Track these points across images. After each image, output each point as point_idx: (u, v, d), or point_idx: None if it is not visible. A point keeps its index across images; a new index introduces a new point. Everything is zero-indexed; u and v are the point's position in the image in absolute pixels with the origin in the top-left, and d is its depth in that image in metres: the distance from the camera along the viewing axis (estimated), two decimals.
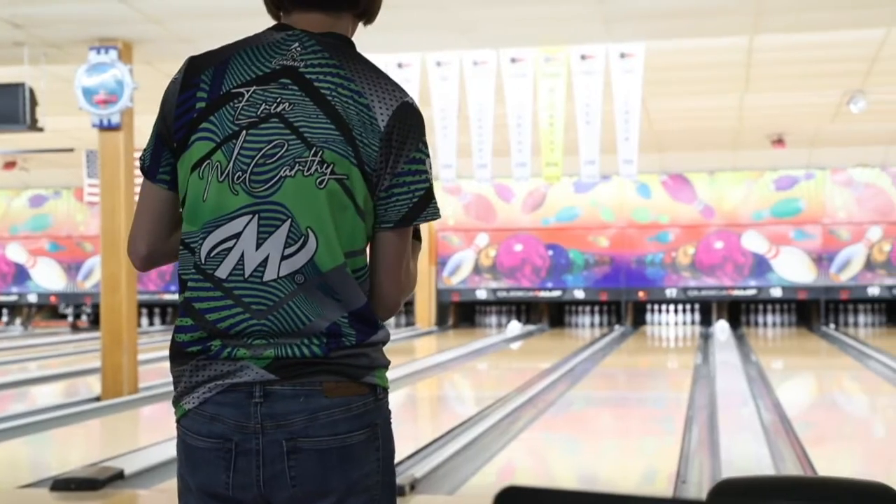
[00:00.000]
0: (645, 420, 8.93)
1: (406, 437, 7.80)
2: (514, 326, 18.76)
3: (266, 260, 1.91)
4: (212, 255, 1.94)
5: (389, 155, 1.93)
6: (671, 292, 19.02)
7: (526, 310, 19.71)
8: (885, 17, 9.19)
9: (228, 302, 1.93)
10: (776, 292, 18.75)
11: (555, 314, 19.68)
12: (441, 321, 19.68)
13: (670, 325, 19.26)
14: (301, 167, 1.91)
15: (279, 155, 1.92)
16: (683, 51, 10.47)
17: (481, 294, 19.43)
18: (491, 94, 10.64)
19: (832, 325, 18.56)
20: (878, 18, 9.26)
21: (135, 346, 9.75)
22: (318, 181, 1.91)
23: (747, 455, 6.59)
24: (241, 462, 1.92)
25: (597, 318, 19.41)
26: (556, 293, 19.19)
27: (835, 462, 6.79)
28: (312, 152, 1.91)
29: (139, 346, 10.16)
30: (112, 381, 9.51)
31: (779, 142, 15.92)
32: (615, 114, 10.55)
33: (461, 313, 20.25)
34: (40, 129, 9.79)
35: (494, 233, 19.39)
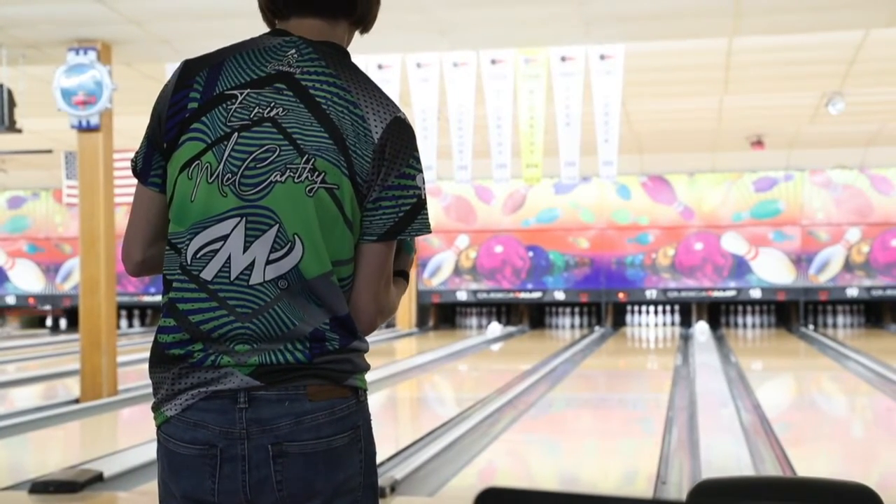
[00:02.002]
0: (625, 421, 8.94)
1: (386, 439, 7.76)
2: (495, 328, 18.77)
3: (252, 263, 1.90)
4: (198, 256, 1.93)
5: (381, 167, 1.93)
6: (651, 293, 19.05)
7: (506, 311, 19.72)
8: (862, 19, 9.23)
9: (213, 304, 1.91)
10: (755, 293, 18.81)
11: (535, 315, 19.69)
12: (421, 323, 19.66)
13: (650, 327, 19.29)
14: (292, 174, 1.90)
15: (270, 160, 1.91)
16: (663, 52, 10.48)
17: (461, 295, 19.42)
18: (471, 96, 10.64)
19: (811, 326, 18.62)
20: (856, 20, 9.30)
21: (114, 348, 9.70)
22: (307, 189, 1.90)
23: (727, 456, 6.60)
24: (227, 468, 1.91)
25: (577, 320, 19.43)
26: (537, 294, 19.20)
27: (814, 462, 6.80)
28: (304, 159, 1.90)
29: (118, 348, 10.11)
30: (91, 383, 9.47)
31: (758, 143, 15.97)
32: (595, 115, 10.57)
33: (441, 315, 20.23)
34: (18, 131, 9.74)
35: (475, 234, 19.39)
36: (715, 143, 16.83)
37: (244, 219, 1.90)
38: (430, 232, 2.00)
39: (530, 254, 19.17)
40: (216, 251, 1.91)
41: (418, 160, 1.98)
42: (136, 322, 20.68)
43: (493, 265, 19.27)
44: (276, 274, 1.90)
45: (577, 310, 19.46)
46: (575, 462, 7.11)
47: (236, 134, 1.92)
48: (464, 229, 19.42)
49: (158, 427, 1.98)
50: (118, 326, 12.01)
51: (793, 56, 10.73)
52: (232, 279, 1.91)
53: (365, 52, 10.51)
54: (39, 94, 10.04)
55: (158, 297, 20.24)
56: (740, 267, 18.83)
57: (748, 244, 18.79)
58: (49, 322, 20.75)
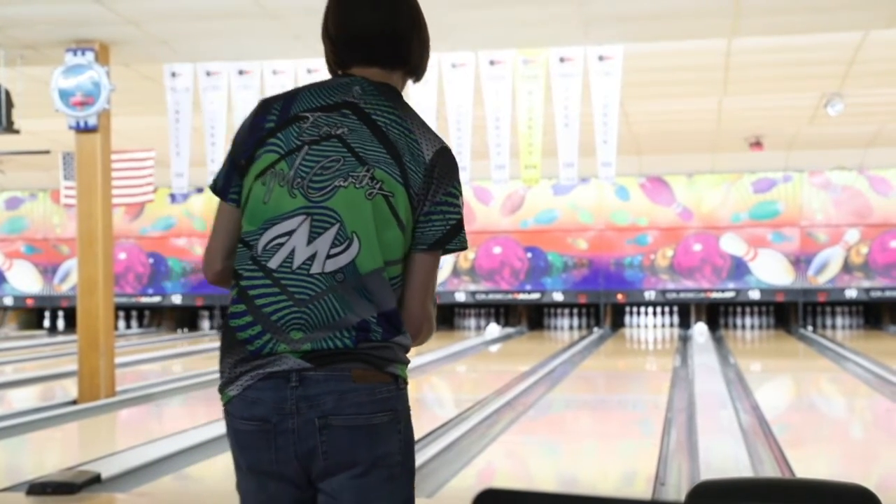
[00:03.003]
0: (624, 422, 8.93)
1: None
2: (493, 329, 18.75)
3: (314, 256, 2.17)
4: (267, 248, 2.20)
5: (431, 184, 2.22)
6: (650, 295, 19.03)
7: (505, 312, 19.71)
8: (862, 20, 9.22)
9: (276, 290, 2.18)
10: (754, 294, 18.80)
11: (533, 316, 19.67)
12: None
13: (649, 328, 19.27)
14: (354, 180, 2.19)
15: (335, 168, 2.20)
16: (662, 53, 10.47)
17: (460, 296, 19.41)
18: (469, 97, 10.61)
19: (810, 328, 18.61)
20: (856, 22, 9.29)
21: (112, 349, 9.68)
22: (367, 193, 2.18)
23: (725, 457, 6.59)
24: (281, 440, 2.16)
25: (575, 321, 19.41)
26: (535, 295, 19.19)
27: (813, 464, 6.78)
28: (365, 169, 2.19)
29: (116, 349, 10.10)
30: (89, 384, 9.45)
31: (757, 144, 15.97)
32: (594, 116, 10.54)
33: (440, 316, 20.17)
34: (16, 131, 9.73)
35: (473, 235, 19.34)
36: (714, 144, 16.82)
37: (310, 217, 2.18)
38: (466, 248, 2.31)
39: (529, 255, 19.15)
40: (282, 244, 2.19)
41: (460, 184, 2.29)
42: (133, 323, 20.64)
43: (491, 266, 19.25)
44: (335, 267, 2.17)
45: (575, 311, 19.45)
46: (574, 463, 7.10)
47: (307, 147, 2.22)
48: None
49: (225, 406, 2.25)
50: (116, 327, 12.00)
51: (792, 57, 10.72)
52: (294, 268, 2.18)
53: None
54: (37, 94, 10.03)
55: (156, 299, 20.42)
56: (739, 268, 18.82)
57: (747, 245, 18.78)
58: (47, 323, 20.73)
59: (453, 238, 2.27)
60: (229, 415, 2.23)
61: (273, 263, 2.18)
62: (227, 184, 2.29)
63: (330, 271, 2.16)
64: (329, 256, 2.17)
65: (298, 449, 2.16)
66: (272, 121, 2.26)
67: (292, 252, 2.18)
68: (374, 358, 2.17)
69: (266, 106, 2.29)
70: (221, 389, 2.25)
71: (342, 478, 2.18)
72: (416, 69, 2.37)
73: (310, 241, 2.17)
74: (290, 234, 2.18)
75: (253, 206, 2.22)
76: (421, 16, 2.37)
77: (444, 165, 2.24)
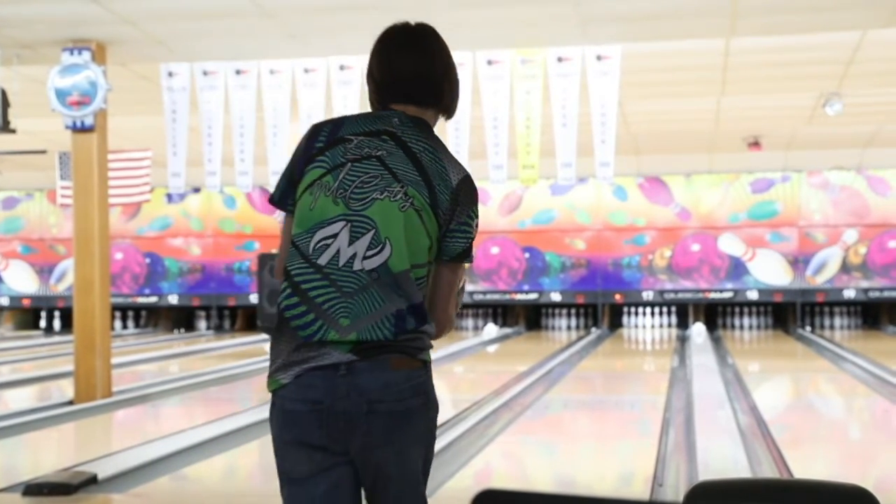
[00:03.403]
0: (621, 423, 8.91)
1: None
2: (491, 329, 18.73)
3: (354, 255, 2.54)
4: (316, 248, 2.56)
5: (456, 206, 2.60)
6: (648, 295, 19.02)
7: (502, 312, 19.68)
8: (860, 20, 9.20)
9: (325, 283, 2.54)
10: (752, 295, 18.79)
11: (531, 317, 19.65)
12: None
13: (647, 328, 19.25)
14: (389, 194, 2.55)
15: (374, 183, 2.56)
16: (660, 53, 10.45)
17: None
18: (467, 97, 10.59)
19: (808, 328, 18.60)
20: (854, 21, 9.27)
21: (108, 349, 9.65)
22: (400, 206, 2.55)
23: (724, 457, 6.58)
24: (331, 418, 2.52)
25: (573, 321, 19.39)
26: (533, 296, 19.17)
27: (811, 465, 6.78)
28: (400, 186, 2.56)
29: (113, 350, 10.07)
30: (85, 384, 9.42)
31: (755, 144, 15.95)
32: (592, 116, 10.52)
33: None
34: (12, 131, 9.71)
35: None
36: (712, 144, 16.81)
37: (349, 223, 2.55)
38: (472, 262, 2.73)
39: (526, 255, 19.13)
40: (328, 245, 2.55)
41: (478, 210, 2.68)
42: (130, 323, 20.61)
43: (489, 266, 19.23)
44: (371, 266, 2.54)
45: (573, 311, 19.43)
46: (572, 464, 7.08)
47: (350, 164, 2.58)
48: None
49: (274, 391, 2.58)
50: (112, 328, 11.96)
51: (790, 57, 10.70)
52: (340, 266, 2.54)
53: (360, 54, 10.48)
54: (34, 94, 10.00)
55: (153, 299, 20.37)
56: (737, 268, 18.81)
57: (745, 245, 18.77)
58: (43, 323, 20.70)
59: (469, 254, 2.67)
60: (280, 397, 2.57)
61: (322, 261, 2.55)
62: (284, 197, 2.67)
63: (368, 269, 2.54)
64: (366, 257, 2.54)
65: (346, 428, 2.52)
66: (321, 141, 2.63)
67: (338, 252, 2.54)
68: (409, 348, 2.56)
69: (316, 130, 2.67)
70: (272, 375, 2.59)
71: (380, 455, 2.56)
72: (447, 108, 2.76)
73: (350, 243, 2.54)
74: (334, 236, 2.55)
75: (301, 212, 2.60)
76: (452, 63, 2.76)
77: (466, 191, 2.63)
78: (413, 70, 2.69)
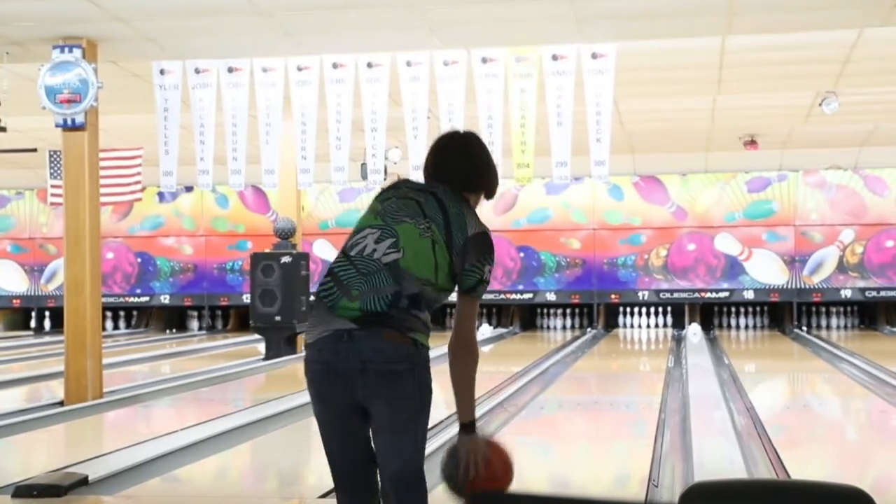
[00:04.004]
0: (617, 423, 8.86)
1: None
2: (485, 329, 18.67)
3: (375, 250, 3.35)
4: (352, 245, 3.41)
5: (468, 251, 3.39)
6: (643, 295, 18.98)
7: (497, 312, 19.64)
8: (856, 18, 9.16)
9: (349, 266, 3.36)
10: (749, 295, 18.75)
11: (526, 317, 19.61)
12: None
13: (642, 328, 19.22)
14: (415, 222, 3.38)
15: (406, 212, 3.40)
16: (656, 51, 10.41)
17: (451, 296, 19.31)
18: (462, 95, 10.54)
19: (804, 328, 18.56)
20: (850, 20, 9.24)
21: (99, 349, 9.60)
22: (421, 233, 3.37)
23: (719, 458, 6.53)
24: (334, 376, 3.30)
25: (568, 321, 19.35)
26: (528, 295, 19.12)
27: (807, 465, 6.74)
28: (426, 220, 3.39)
29: (104, 350, 10.01)
30: (76, 385, 9.37)
31: (751, 143, 15.92)
32: (587, 115, 10.47)
33: (431, 316, 20.09)
34: (3, 129, 9.67)
35: None
36: (708, 142, 16.79)
37: (380, 230, 3.38)
38: (479, 296, 3.45)
39: (521, 254, 19.09)
40: (359, 242, 3.39)
41: (490, 259, 3.44)
42: (121, 323, 20.55)
43: None
44: (385, 260, 3.33)
45: (568, 311, 19.39)
46: (566, 465, 7.05)
47: (395, 199, 3.46)
48: None
49: (306, 350, 3.41)
50: (103, 328, 11.90)
51: (786, 55, 10.67)
52: (363, 255, 3.35)
53: (355, 51, 10.43)
54: (24, 91, 9.95)
55: (144, 299, 20.31)
56: (733, 268, 18.78)
57: (741, 245, 18.73)
58: (33, 323, 20.63)
59: (477, 289, 3.42)
60: (306, 360, 3.39)
61: (353, 253, 3.38)
62: None
63: (384, 262, 3.32)
64: (385, 254, 3.33)
65: (347, 382, 3.28)
66: (386, 188, 3.56)
67: (365, 247, 3.36)
68: (400, 325, 3.30)
69: (385, 187, 3.57)
70: (305, 339, 3.46)
71: (377, 403, 3.31)
72: (487, 193, 3.65)
73: (376, 243, 3.36)
74: (365, 237, 3.38)
75: (355, 227, 3.48)
76: (491, 161, 3.65)
77: (479, 243, 3.41)
78: (460, 169, 3.56)
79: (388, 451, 3.36)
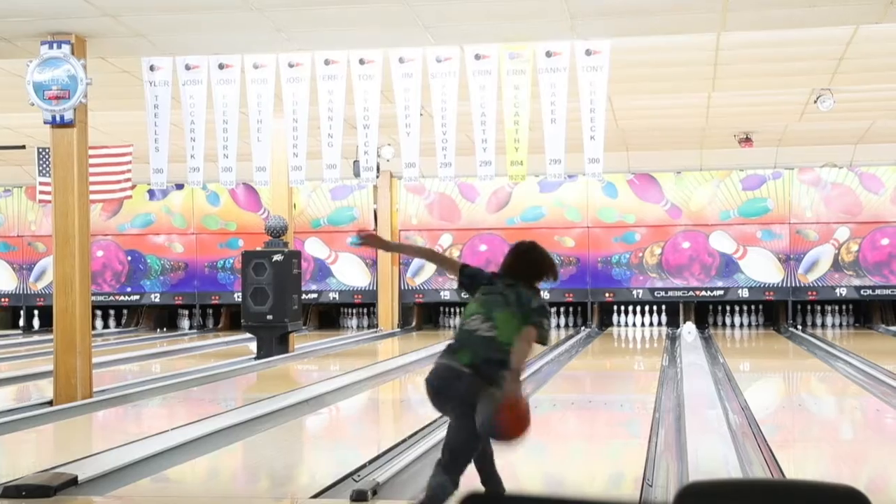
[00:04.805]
0: (611, 423, 8.82)
1: (368, 442, 7.68)
2: None
3: (478, 329, 4.81)
4: (467, 322, 4.89)
5: (532, 314, 4.84)
6: (638, 293, 18.96)
7: None
8: (852, 15, 9.13)
9: (465, 337, 4.85)
10: (743, 293, 18.74)
11: None
12: (404, 323, 19.55)
13: (637, 327, 19.20)
14: (502, 309, 4.84)
15: (498, 302, 4.87)
16: (650, 48, 10.38)
17: (445, 295, 19.32)
18: (455, 92, 10.48)
19: (799, 326, 18.56)
20: (846, 16, 9.20)
21: (89, 349, 9.54)
22: (510, 313, 4.82)
23: (714, 458, 6.51)
24: (436, 393, 4.88)
25: (563, 320, 19.34)
26: None
27: (802, 464, 6.75)
28: (509, 307, 4.84)
29: (93, 349, 9.95)
30: (65, 384, 9.32)
31: (746, 140, 15.90)
32: (581, 112, 10.41)
33: (425, 315, 20.14)
34: None
35: (458, 233, 19.28)
36: (703, 140, 16.77)
37: (483, 316, 4.85)
38: (544, 332, 4.94)
39: None
40: (471, 323, 4.86)
41: (548, 316, 4.98)
42: (111, 322, 20.51)
43: (477, 264, 18.97)
44: (486, 335, 4.79)
45: (562, 310, 19.37)
46: (560, 465, 7.02)
47: (491, 294, 4.92)
48: (448, 228, 19.32)
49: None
50: (93, 327, 11.85)
51: (781, 52, 10.64)
52: (472, 332, 4.84)
53: (347, 47, 10.36)
54: (12, 88, 9.90)
55: (134, 297, 20.24)
56: (728, 266, 18.76)
57: (736, 243, 18.72)
58: (22, 322, 20.56)
59: (544, 334, 4.93)
60: (428, 378, 4.89)
61: (466, 328, 4.88)
62: (469, 286, 5.12)
63: (485, 336, 4.80)
64: (486, 331, 4.81)
65: (441, 397, 4.87)
66: (487, 279, 5.06)
67: (474, 328, 4.84)
68: (489, 377, 4.72)
69: (488, 276, 5.09)
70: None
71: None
72: (551, 278, 5.11)
73: (482, 323, 4.82)
74: (475, 321, 4.86)
75: (469, 308, 4.96)
76: (551, 260, 5.14)
77: (539, 309, 4.88)
78: (528, 273, 5.02)
79: None
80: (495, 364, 4.75)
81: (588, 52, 10.19)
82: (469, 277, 5.14)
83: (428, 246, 19.20)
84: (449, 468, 4.84)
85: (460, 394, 4.78)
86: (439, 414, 8.80)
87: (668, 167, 18.62)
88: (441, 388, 4.87)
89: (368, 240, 5.44)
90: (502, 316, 4.87)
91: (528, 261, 5.09)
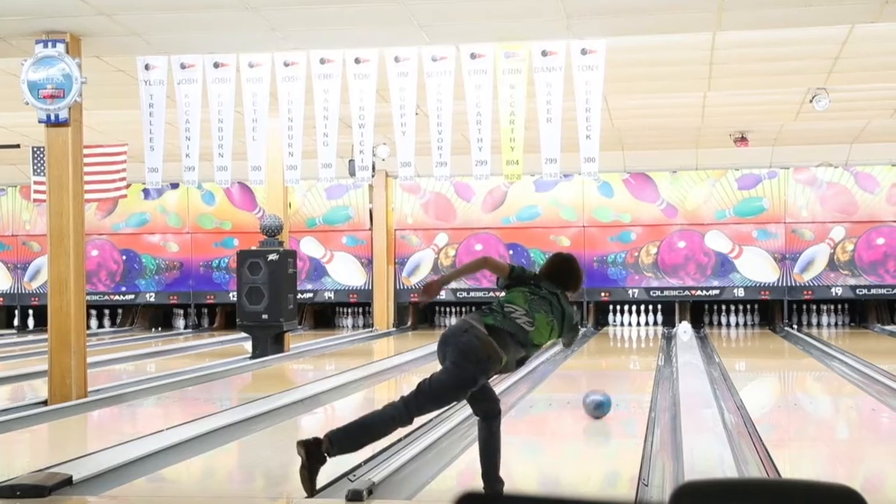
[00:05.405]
0: (606, 422, 8.80)
1: None
2: None
3: (519, 318, 5.29)
4: (507, 305, 5.38)
5: (565, 316, 5.48)
6: (634, 292, 18.95)
7: None
8: (847, 14, 9.13)
9: (503, 317, 5.34)
10: (739, 292, 18.74)
11: None
12: (400, 322, 19.53)
13: (633, 326, 19.19)
14: (544, 313, 5.38)
15: (542, 305, 5.39)
16: (645, 47, 10.37)
17: (441, 294, 19.25)
18: (450, 91, 10.47)
19: (795, 326, 18.56)
20: (841, 16, 9.20)
21: (83, 348, 9.52)
22: (549, 320, 5.39)
23: (710, 457, 6.49)
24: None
25: None
26: None
27: (798, 464, 6.74)
28: (551, 312, 5.41)
29: (88, 349, 9.93)
30: (60, 384, 9.30)
31: (742, 140, 15.90)
32: (576, 111, 10.41)
33: (420, 314, 20.11)
34: None
35: (454, 232, 19.27)
36: (698, 139, 16.76)
37: (526, 311, 5.32)
38: (577, 329, 5.78)
39: (511, 252, 19.05)
40: (511, 312, 5.34)
41: (577, 317, 5.61)
42: (106, 322, 20.47)
43: None
44: (524, 327, 5.29)
45: None
46: (556, 464, 7.02)
47: (538, 297, 5.43)
48: (443, 227, 19.30)
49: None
50: (88, 326, 11.82)
51: (777, 52, 10.64)
52: (511, 316, 5.29)
53: (342, 46, 10.35)
54: (6, 87, 9.88)
55: (129, 297, 20.21)
56: (724, 265, 18.76)
57: (732, 242, 18.72)
58: (16, 322, 20.52)
59: (572, 323, 5.56)
60: (445, 331, 5.44)
61: (509, 311, 5.31)
62: (516, 280, 5.56)
63: (522, 326, 5.27)
64: (524, 324, 5.28)
65: (458, 342, 5.25)
66: (534, 279, 5.54)
67: (518, 317, 5.28)
68: (500, 341, 5.22)
69: (532, 275, 5.63)
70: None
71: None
72: (573, 288, 5.62)
73: (524, 316, 5.30)
74: (518, 312, 5.31)
75: (512, 294, 5.45)
76: (581, 271, 5.72)
77: (569, 313, 5.47)
78: (564, 281, 5.54)
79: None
80: (515, 343, 5.23)
81: (584, 52, 10.18)
82: (516, 279, 5.52)
83: (422, 245, 19.17)
84: (409, 404, 5.17)
85: (461, 343, 5.12)
86: (435, 413, 8.78)
87: (664, 166, 18.63)
88: (448, 336, 5.23)
89: (431, 288, 5.62)
90: (543, 319, 5.34)
91: (567, 270, 5.60)
